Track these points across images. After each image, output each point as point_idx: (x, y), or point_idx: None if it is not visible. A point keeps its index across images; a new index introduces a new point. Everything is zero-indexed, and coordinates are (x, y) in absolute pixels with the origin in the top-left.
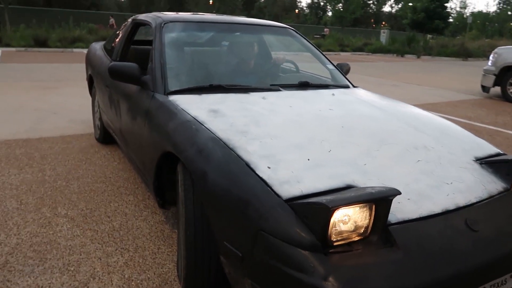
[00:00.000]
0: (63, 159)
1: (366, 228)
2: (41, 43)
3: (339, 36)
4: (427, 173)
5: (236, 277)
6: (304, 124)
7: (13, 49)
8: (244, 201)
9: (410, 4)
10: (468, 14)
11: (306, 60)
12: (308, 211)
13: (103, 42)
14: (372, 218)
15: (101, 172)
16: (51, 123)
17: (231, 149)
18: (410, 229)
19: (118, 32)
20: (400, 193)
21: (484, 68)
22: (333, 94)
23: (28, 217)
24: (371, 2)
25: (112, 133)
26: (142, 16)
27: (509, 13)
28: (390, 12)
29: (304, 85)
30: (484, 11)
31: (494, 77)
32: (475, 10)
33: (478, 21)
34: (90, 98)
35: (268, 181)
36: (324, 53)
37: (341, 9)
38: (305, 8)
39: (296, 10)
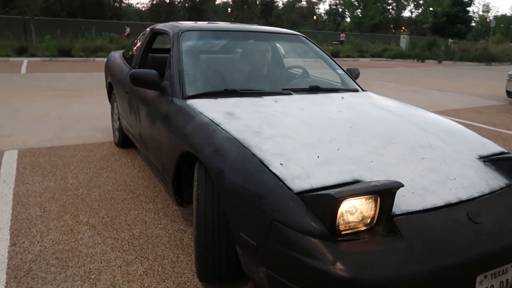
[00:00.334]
0: (85, 167)
1: (372, 218)
2: (65, 52)
3: (358, 42)
4: (432, 169)
5: (251, 266)
6: (314, 125)
7: (38, 59)
8: (258, 195)
9: (431, 8)
10: (491, 18)
11: (317, 65)
12: (318, 203)
13: (122, 51)
14: (378, 209)
15: (122, 180)
16: (74, 131)
17: (246, 148)
18: (413, 220)
19: (136, 41)
20: (403, 186)
21: (509, 73)
22: (342, 98)
23: (51, 225)
24: (390, 7)
25: (131, 137)
26: (160, 26)
27: None
28: (409, 17)
29: (314, 89)
30: (508, 14)
31: None
32: (499, 13)
33: (502, 25)
34: (110, 107)
35: (280, 176)
36: (343, 59)
37: (360, 15)
38: (323, 15)
39: (314, 17)
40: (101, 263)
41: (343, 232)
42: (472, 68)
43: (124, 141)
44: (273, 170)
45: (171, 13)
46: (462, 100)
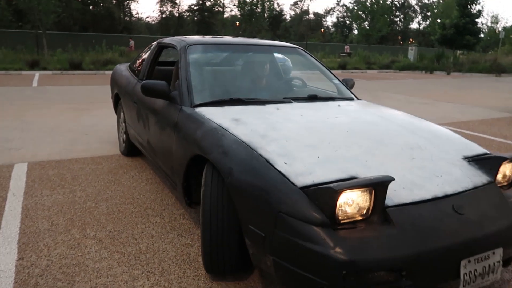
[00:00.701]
0: (93, 180)
1: (367, 209)
2: (76, 66)
3: (365, 54)
4: (420, 167)
5: (259, 256)
6: (314, 129)
7: (50, 72)
8: (265, 190)
9: (439, 20)
10: (500, 29)
11: (315, 76)
12: (319, 195)
13: (127, 64)
14: (372, 201)
15: (129, 193)
16: (83, 144)
17: (253, 149)
18: (404, 211)
19: (142, 54)
20: (394, 179)
21: None
22: (339, 105)
23: (59, 239)
24: (397, 19)
25: (138, 145)
26: (167, 40)
27: None
28: (417, 29)
29: (312, 98)
30: None
31: None
32: (508, 24)
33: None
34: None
35: (285, 173)
36: (350, 71)
37: (367, 27)
38: (330, 27)
39: (322, 29)
40: (108, 278)
41: (342, 222)
42: (481, 79)
43: (130, 149)
44: (279, 168)
45: (180, 27)
46: (473, 112)
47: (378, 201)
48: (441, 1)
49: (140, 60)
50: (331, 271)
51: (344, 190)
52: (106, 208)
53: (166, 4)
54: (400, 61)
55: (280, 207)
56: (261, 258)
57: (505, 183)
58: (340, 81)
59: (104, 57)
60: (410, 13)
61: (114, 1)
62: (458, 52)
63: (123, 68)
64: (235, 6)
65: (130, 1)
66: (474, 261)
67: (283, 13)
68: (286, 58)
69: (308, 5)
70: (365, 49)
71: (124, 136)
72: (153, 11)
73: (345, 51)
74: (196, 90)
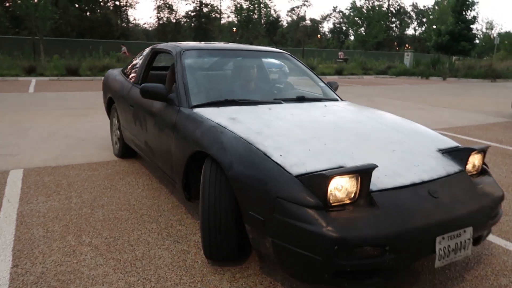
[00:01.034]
0: (89, 186)
1: (355, 194)
2: (73, 72)
3: (362, 60)
4: (400, 158)
5: (258, 239)
6: (304, 127)
7: (47, 78)
8: (264, 179)
9: (434, 26)
10: (495, 35)
11: (302, 79)
12: (312, 181)
13: (119, 69)
14: (359, 186)
15: (125, 199)
16: (79, 150)
17: (251, 144)
18: (386, 195)
19: (135, 59)
20: (377, 166)
21: None
22: (325, 105)
23: (54, 245)
24: (393, 25)
25: (134, 147)
26: (161, 46)
27: None
28: (413, 35)
29: (300, 99)
30: None
31: None
32: (503, 30)
33: (506, 42)
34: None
35: (281, 164)
36: (347, 76)
37: (364, 33)
38: (327, 33)
39: (318, 35)
40: (103, 285)
41: (332, 204)
42: (477, 85)
43: (124, 151)
44: (275, 160)
45: (177, 33)
46: (468, 117)
47: (364, 186)
48: (436, 8)
49: (133, 65)
50: (325, 247)
51: (334, 176)
52: (102, 214)
53: (163, 10)
54: (396, 66)
55: (277, 193)
56: (261, 241)
57: (474, 172)
58: (325, 83)
59: (101, 63)
60: (406, 19)
61: (111, 8)
62: (454, 58)
63: (116, 73)
64: (232, 13)
65: (127, 8)
66: (447, 238)
67: (280, 19)
68: (283, 64)
69: (305, 11)
70: (361, 55)
71: (118, 138)
72: (150, 17)
73: (339, 57)
74: (192, 92)
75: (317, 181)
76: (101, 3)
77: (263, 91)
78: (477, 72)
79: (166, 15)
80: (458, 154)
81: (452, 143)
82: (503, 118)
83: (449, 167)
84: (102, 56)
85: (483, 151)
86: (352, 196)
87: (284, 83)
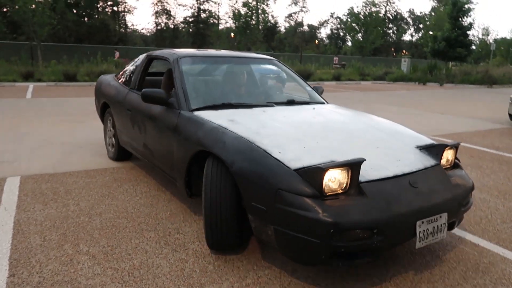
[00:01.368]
0: (87, 193)
1: (346, 184)
2: (71, 77)
3: (359, 65)
4: (384, 154)
5: (261, 227)
6: (297, 127)
7: (44, 84)
8: (266, 174)
9: (431, 32)
10: (491, 41)
11: (290, 84)
12: (310, 173)
13: (112, 75)
14: (349, 178)
15: (123, 207)
16: (77, 157)
17: (251, 142)
18: (373, 186)
19: (129, 66)
20: (365, 160)
21: (511, 95)
22: (313, 108)
23: (51, 254)
24: (390, 31)
25: (130, 149)
26: (157, 53)
27: None
28: (410, 41)
29: (291, 102)
30: (508, 37)
31: None
32: (498, 36)
33: (502, 48)
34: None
35: (280, 159)
36: (344, 82)
37: (361, 39)
38: (324, 39)
39: (316, 41)
40: None
41: (327, 194)
42: (473, 90)
43: (119, 155)
44: (275, 156)
45: (175, 38)
46: (465, 123)
47: (354, 177)
48: (433, 14)
49: (128, 72)
50: (322, 230)
51: (329, 169)
52: (99, 222)
53: (161, 16)
54: (393, 72)
55: (278, 185)
56: (263, 229)
57: (448, 165)
58: (312, 88)
59: (99, 68)
60: (402, 25)
61: (109, 13)
62: (451, 63)
63: (109, 79)
64: (230, 18)
65: (125, 13)
66: (426, 222)
67: (277, 25)
68: (280, 70)
69: (303, 17)
70: (359, 60)
71: (113, 142)
72: (148, 23)
73: (335, 62)
74: (191, 96)
75: (314, 173)
76: (99, 9)
77: (256, 95)
78: (473, 78)
79: (164, 20)
80: (434, 150)
81: (428, 141)
82: (500, 125)
83: (426, 161)
84: (100, 61)
85: (455, 147)
86: (344, 186)
87: (275, 87)
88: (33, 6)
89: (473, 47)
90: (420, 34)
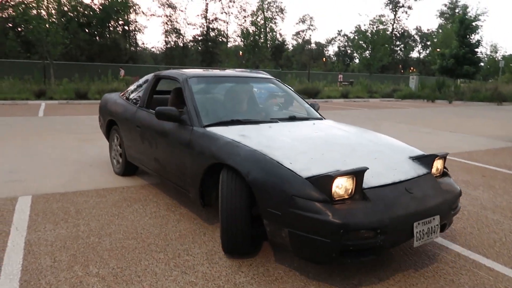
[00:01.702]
0: (97, 213)
1: (352, 190)
2: (82, 95)
3: (367, 83)
4: (382, 164)
5: (275, 231)
6: (302, 141)
7: (56, 102)
8: (280, 182)
9: (438, 50)
10: (500, 58)
11: (288, 102)
12: (320, 181)
13: (117, 93)
14: (354, 184)
15: (133, 227)
16: (87, 175)
17: (264, 155)
18: (375, 191)
19: (133, 86)
20: (368, 169)
21: None
22: (313, 123)
23: (61, 276)
24: (398, 48)
25: (139, 164)
26: (165, 73)
27: None
28: (418, 58)
29: (292, 118)
30: None
31: None
32: (507, 53)
33: (511, 64)
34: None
35: (292, 169)
36: (352, 100)
37: (368, 57)
38: (332, 56)
39: (324, 58)
40: None
41: (336, 199)
42: (483, 108)
43: (126, 170)
44: (287, 166)
45: (185, 56)
46: (476, 142)
47: (358, 184)
48: (440, 31)
49: (134, 90)
50: (332, 231)
51: (337, 177)
52: (109, 243)
53: (171, 34)
54: (401, 89)
55: (292, 192)
56: (277, 232)
57: (438, 174)
58: (309, 105)
59: (109, 86)
60: (410, 42)
61: (120, 32)
62: (459, 80)
63: (115, 97)
64: (238, 37)
65: (136, 32)
66: (422, 223)
67: (285, 42)
68: (279, 88)
69: (310, 35)
70: (366, 78)
71: (120, 158)
72: (158, 42)
73: (339, 79)
74: (202, 113)
75: (324, 181)
76: (111, 28)
77: (260, 111)
78: (483, 95)
79: (174, 39)
80: (425, 160)
81: (420, 152)
82: (511, 143)
83: (418, 170)
84: (110, 79)
85: (444, 157)
86: (350, 192)
87: (274, 104)
88: (47, 26)
89: (482, 64)
90: (427, 51)
